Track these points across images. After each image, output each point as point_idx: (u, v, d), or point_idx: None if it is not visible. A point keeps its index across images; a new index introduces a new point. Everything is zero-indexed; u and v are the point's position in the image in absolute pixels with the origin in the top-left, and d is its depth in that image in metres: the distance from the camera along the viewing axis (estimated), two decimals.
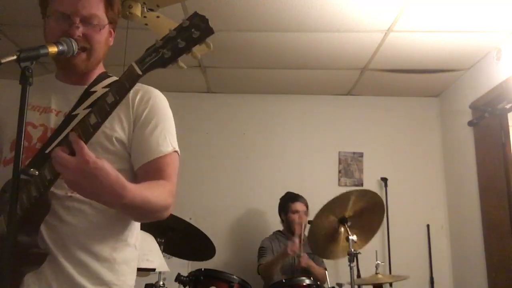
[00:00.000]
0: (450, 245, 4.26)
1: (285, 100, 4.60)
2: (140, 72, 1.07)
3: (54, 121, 1.28)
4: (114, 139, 1.28)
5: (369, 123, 4.54)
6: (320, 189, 4.35)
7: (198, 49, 1.04)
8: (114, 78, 1.38)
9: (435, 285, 4.13)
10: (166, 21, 2.77)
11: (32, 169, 1.15)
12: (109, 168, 1.05)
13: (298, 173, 4.44)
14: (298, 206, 3.70)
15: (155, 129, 1.30)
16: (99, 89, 1.32)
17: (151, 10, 2.68)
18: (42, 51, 1.16)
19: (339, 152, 4.50)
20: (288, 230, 3.71)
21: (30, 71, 1.10)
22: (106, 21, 1.31)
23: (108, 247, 1.28)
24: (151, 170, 1.26)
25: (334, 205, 3.04)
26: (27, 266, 1.18)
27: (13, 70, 1.14)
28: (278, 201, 3.87)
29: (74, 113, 1.27)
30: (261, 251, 3.69)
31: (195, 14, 1.08)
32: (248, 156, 4.49)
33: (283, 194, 3.90)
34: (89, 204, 1.25)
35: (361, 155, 4.49)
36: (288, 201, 3.78)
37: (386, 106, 4.57)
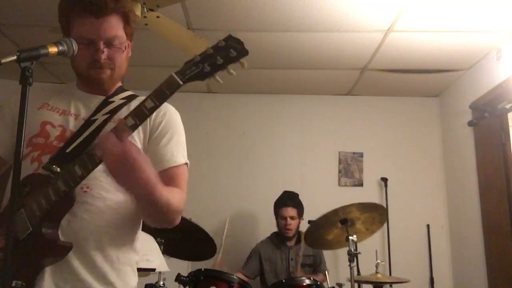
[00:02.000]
0: (450, 245, 4.26)
1: (285, 100, 4.60)
2: (181, 82, 1.17)
3: (73, 124, 1.36)
4: None
5: (369, 123, 4.54)
6: (320, 189, 4.36)
7: (232, 67, 1.21)
8: (130, 92, 1.49)
9: (435, 285, 4.13)
10: (166, 21, 2.77)
11: (54, 166, 1.24)
12: (147, 163, 1.15)
13: (298, 173, 4.44)
14: (285, 212, 3.71)
15: (170, 141, 1.41)
16: (117, 100, 1.43)
17: (151, 10, 2.68)
18: (42, 51, 1.16)
19: (339, 152, 4.50)
20: (280, 234, 3.77)
21: (30, 71, 1.11)
22: (125, 37, 1.41)
23: (115, 247, 1.33)
24: (165, 178, 1.30)
25: (334, 213, 3.05)
26: (51, 258, 1.23)
27: (14, 70, 1.14)
28: None
29: (93, 118, 1.36)
30: (248, 257, 3.78)
31: (230, 36, 1.23)
32: (248, 156, 4.49)
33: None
34: (103, 201, 1.31)
35: (361, 155, 4.49)
36: (277, 206, 3.81)
37: (386, 106, 4.57)
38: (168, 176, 1.31)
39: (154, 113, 1.37)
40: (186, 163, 1.46)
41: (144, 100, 1.18)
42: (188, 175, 1.46)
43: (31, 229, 1.22)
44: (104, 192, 1.31)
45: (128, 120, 1.17)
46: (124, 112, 1.38)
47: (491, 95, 3.54)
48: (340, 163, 4.48)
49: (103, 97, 1.43)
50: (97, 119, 1.36)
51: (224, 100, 4.63)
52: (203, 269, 2.99)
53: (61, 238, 1.25)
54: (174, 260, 3.30)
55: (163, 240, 2.95)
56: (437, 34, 3.34)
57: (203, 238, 3.14)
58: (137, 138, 1.37)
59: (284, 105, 4.59)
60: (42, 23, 3.15)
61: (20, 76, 1.11)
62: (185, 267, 3.43)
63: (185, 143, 1.49)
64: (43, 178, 1.24)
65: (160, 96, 1.17)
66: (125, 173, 1.12)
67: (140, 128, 1.32)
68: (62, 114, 1.38)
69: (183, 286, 2.92)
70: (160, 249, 2.89)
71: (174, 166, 1.39)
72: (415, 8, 3.00)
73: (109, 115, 1.37)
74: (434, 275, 4.16)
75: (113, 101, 1.42)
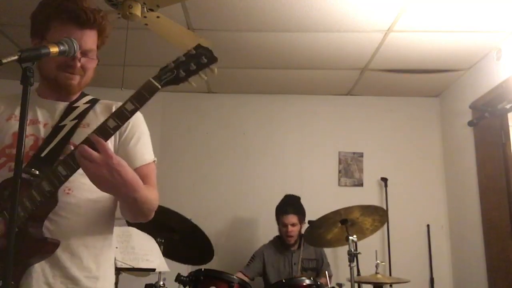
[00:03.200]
0: (450, 245, 4.27)
1: (285, 100, 4.60)
2: (159, 86, 1.26)
3: (43, 132, 1.42)
4: None
5: (369, 123, 4.54)
6: (320, 189, 4.36)
7: (204, 73, 1.32)
8: (91, 96, 1.56)
9: (435, 285, 4.13)
10: (166, 21, 2.77)
11: (32, 169, 1.29)
12: (127, 166, 1.24)
13: (298, 173, 4.44)
14: (286, 219, 3.69)
15: (138, 142, 1.50)
16: (81, 104, 1.50)
17: (151, 10, 2.68)
18: (43, 51, 1.17)
19: (339, 152, 4.50)
20: (282, 239, 3.76)
21: (31, 71, 1.12)
22: (96, 50, 1.47)
23: (97, 244, 1.42)
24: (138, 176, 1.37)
25: (335, 214, 3.05)
26: (38, 255, 1.29)
27: (14, 70, 1.14)
28: (278, 201, 3.87)
29: (61, 124, 1.43)
30: (250, 258, 3.76)
31: (199, 45, 1.31)
32: (248, 156, 4.49)
33: (283, 194, 3.90)
34: (84, 202, 1.38)
35: (361, 155, 4.49)
36: (278, 212, 3.79)
37: (386, 106, 4.58)
38: (140, 175, 1.36)
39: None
40: (154, 161, 1.54)
41: (125, 103, 1.26)
42: (156, 171, 1.54)
43: (17, 229, 1.21)
44: (85, 192, 1.38)
45: (109, 122, 1.25)
46: (91, 116, 1.47)
47: (491, 95, 3.55)
48: (340, 163, 4.48)
49: (66, 103, 1.49)
50: (65, 124, 1.42)
51: (224, 100, 4.63)
52: (203, 269, 2.99)
53: (47, 236, 1.31)
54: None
55: (163, 240, 2.95)
56: (437, 34, 3.34)
57: (202, 240, 3.14)
58: (110, 140, 1.40)
59: (284, 105, 4.59)
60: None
61: (21, 76, 1.11)
62: (185, 267, 3.42)
63: (150, 141, 1.56)
64: (23, 181, 1.25)
65: (140, 99, 1.25)
66: (110, 179, 1.20)
67: None
68: (31, 123, 1.41)
69: (183, 286, 2.92)
70: (160, 249, 2.89)
71: (145, 165, 1.47)
72: (415, 8, 3.00)
73: (77, 120, 1.44)
74: (434, 275, 4.16)
75: (77, 106, 1.48)
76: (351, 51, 3.63)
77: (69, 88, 1.45)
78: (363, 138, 4.52)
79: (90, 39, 1.42)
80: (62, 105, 1.48)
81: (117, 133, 1.42)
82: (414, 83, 4.25)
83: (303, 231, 3.64)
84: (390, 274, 4.01)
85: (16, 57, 1.10)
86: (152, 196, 1.39)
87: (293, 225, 3.67)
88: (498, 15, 3.06)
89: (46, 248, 1.30)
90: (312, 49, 3.61)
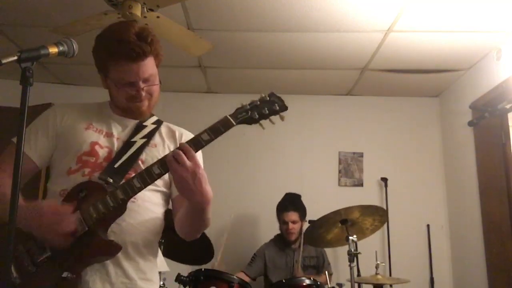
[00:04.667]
0: (450, 245, 4.27)
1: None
2: (234, 123, 1.44)
3: (116, 145, 1.55)
4: None
5: (369, 123, 4.54)
6: (320, 189, 4.36)
7: (274, 118, 1.49)
8: (156, 117, 1.69)
9: (435, 285, 4.13)
10: (166, 21, 2.77)
11: (108, 177, 1.43)
12: (207, 180, 1.37)
13: (298, 173, 4.44)
14: (287, 216, 3.71)
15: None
16: (149, 124, 1.64)
17: (151, 10, 2.68)
18: (43, 52, 1.17)
19: (339, 152, 4.50)
20: (283, 237, 3.77)
21: (31, 71, 1.11)
22: (157, 72, 1.57)
23: (151, 250, 1.55)
24: None
25: (335, 214, 3.05)
26: (102, 255, 1.40)
27: (14, 71, 1.14)
28: (278, 201, 3.87)
29: (132, 140, 1.56)
30: (251, 258, 3.77)
31: (273, 93, 1.51)
32: (248, 156, 4.49)
33: (283, 194, 3.91)
34: (146, 212, 1.51)
35: (361, 155, 4.49)
36: (279, 210, 3.81)
37: (386, 106, 4.58)
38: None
39: (182, 140, 1.65)
40: None
41: (201, 133, 1.43)
42: None
43: (87, 228, 1.37)
44: (148, 204, 1.51)
45: (191, 145, 1.39)
46: (157, 137, 1.61)
47: (491, 95, 3.54)
48: (340, 163, 4.49)
49: (136, 121, 1.62)
50: (135, 141, 1.56)
51: (224, 100, 4.62)
52: (203, 269, 2.99)
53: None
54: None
55: (163, 240, 2.95)
56: (437, 34, 3.33)
57: (202, 240, 3.14)
58: None
59: None
60: (42, 23, 3.15)
61: (21, 77, 1.11)
62: (185, 267, 3.42)
63: None
64: (98, 186, 1.42)
65: (216, 131, 1.43)
66: (192, 184, 1.33)
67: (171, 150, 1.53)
68: (106, 136, 1.55)
69: (183, 286, 2.92)
70: (160, 248, 2.89)
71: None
72: (415, 8, 3.00)
73: (146, 139, 1.57)
74: (434, 275, 4.16)
75: (146, 126, 1.62)
76: (351, 51, 3.63)
77: (141, 113, 1.59)
78: (363, 138, 4.52)
79: (147, 68, 1.50)
80: (132, 123, 1.61)
81: None
82: (414, 83, 4.25)
83: (304, 229, 3.65)
84: (390, 274, 4.01)
85: (15, 57, 1.10)
86: (210, 215, 1.51)
87: (293, 222, 3.69)
88: (498, 15, 3.06)
89: (112, 250, 1.40)
90: (312, 49, 3.61)
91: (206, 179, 1.37)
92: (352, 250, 2.94)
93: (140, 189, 1.39)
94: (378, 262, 3.06)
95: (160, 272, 2.86)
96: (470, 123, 3.76)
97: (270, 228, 3.95)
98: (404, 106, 4.57)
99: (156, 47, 1.51)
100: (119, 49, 1.44)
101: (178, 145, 1.53)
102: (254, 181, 4.41)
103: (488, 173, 3.64)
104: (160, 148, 1.59)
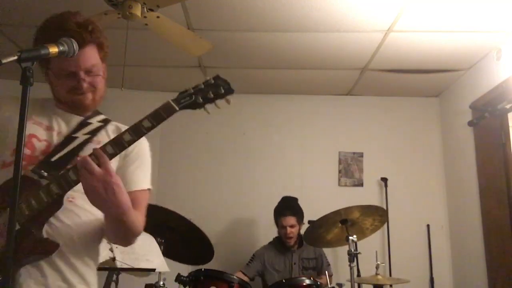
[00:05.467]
0: (450, 245, 4.27)
1: (285, 100, 4.60)
2: (177, 108, 1.33)
3: (56, 139, 1.47)
4: None
5: (369, 123, 4.54)
6: (320, 189, 4.37)
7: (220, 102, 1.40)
8: (104, 116, 1.61)
9: (435, 285, 4.13)
10: (166, 21, 2.77)
11: (42, 171, 1.34)
12: (123, 188, 1.28)
13: (298, 173, 4.44)
14: (284, 221, 3.70)
15: (139, 167, 1.54)
16: (95, 122, 1.55)
17: (151, 10, 2.68)
18: (43, 52, 1.17)
19: (339, 152, 4.50)
20: (282, 241, 3.76)
21: (31, 71, 1.12)
22: (100, 63, 1.49)
23: (91, 253, 1.47)
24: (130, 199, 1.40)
25: (335, 214, 3.05)
26: (37, 255, 1.32)
27: (14, 71, 1.14)
28: (278, 201, 3.87)
29: (74, 135, 1.48)
30: (250, 258, 3.76)
31: (218, 76, 1.38)
32: (248, 156, 4.49)
33: (283, 194, 3.91)
34: (84, 212, 1.42)
35: (361, 155, 4.49)
36: (277, 214, 3.80)
37: (386, 106, 4.58)
38: (132, 199, 1.39)
39: None
40: (149, 189, 1.56)
41: (142, 120, 1.31)
42: (148, 199, 1.57)
43: (19, 227, 1.26)
44: (86, 204, 1.37)
45: (125, 136, 1.30)
46: (102, 134, 1.52)
47: (491, 95, 3.54)
48: (340, 163, 4.49)
49: (81, 118, 1.54)
50: (77, 137, 1.48)
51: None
52: (203, 269, 2.99)
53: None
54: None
55: (163, 241, 2.95)
56: (437, 34, 3.33)
57: (201, 240, 3.14)
58: (114, 159, 1.43)
59: (284, 105, 4.59)
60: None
61: (21, 77, 1.11)
62: (185, 267, 3.42)
63: (150, 170, 1.60)
64: (31, 181, 1.33)
65: (157, 118, 1.31)
66: (104, 194, 1.23)
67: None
68: (46, 129, 1.47)
69: (183, 286, 2.92)
70: (160, 249, 2.89)
71: (139, 190, 1.50)
72: (415, 8, 3.00)
73: (89, 135, 1.49)
74: (434, 275, 4.16)
75: (91, 123, 1.54)
76: (351, 51, 3.63)
77: (85, 107, 1.51)
78: (363, 138, 4.52)
79: (88, 56, 1.43)
80: (76, 119, 1.53)
81: (123, 152, 1.44)
82: (414, 83, 4.25)
83: (302, 231, 3.64)
84: (390, 274, 4.01)
85: (15, 57, 1.10)
86: (138, 222, 1.42)
87: (291, 226, 3.68)
88: (498, 15, 3.06)
89: (47, 248, 1.32)
90: (312, 49, 3.61)
91: (121, 188, 1.27)
92: (352, 250, 2.94)
93: (76, 182, 1.29)
94: (378, 262, 3.05)
95: (160, 272, 2.86)
96: (470, 123, 3.74)
97: (269, 229, 3.95)
98: (404, 106, 4.57)
99: (98, 36, 1.44)
100: (58, 37, 1.32)
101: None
102: (254, 181, 4.41)
103: (488, 173, 3.64)
104: None
